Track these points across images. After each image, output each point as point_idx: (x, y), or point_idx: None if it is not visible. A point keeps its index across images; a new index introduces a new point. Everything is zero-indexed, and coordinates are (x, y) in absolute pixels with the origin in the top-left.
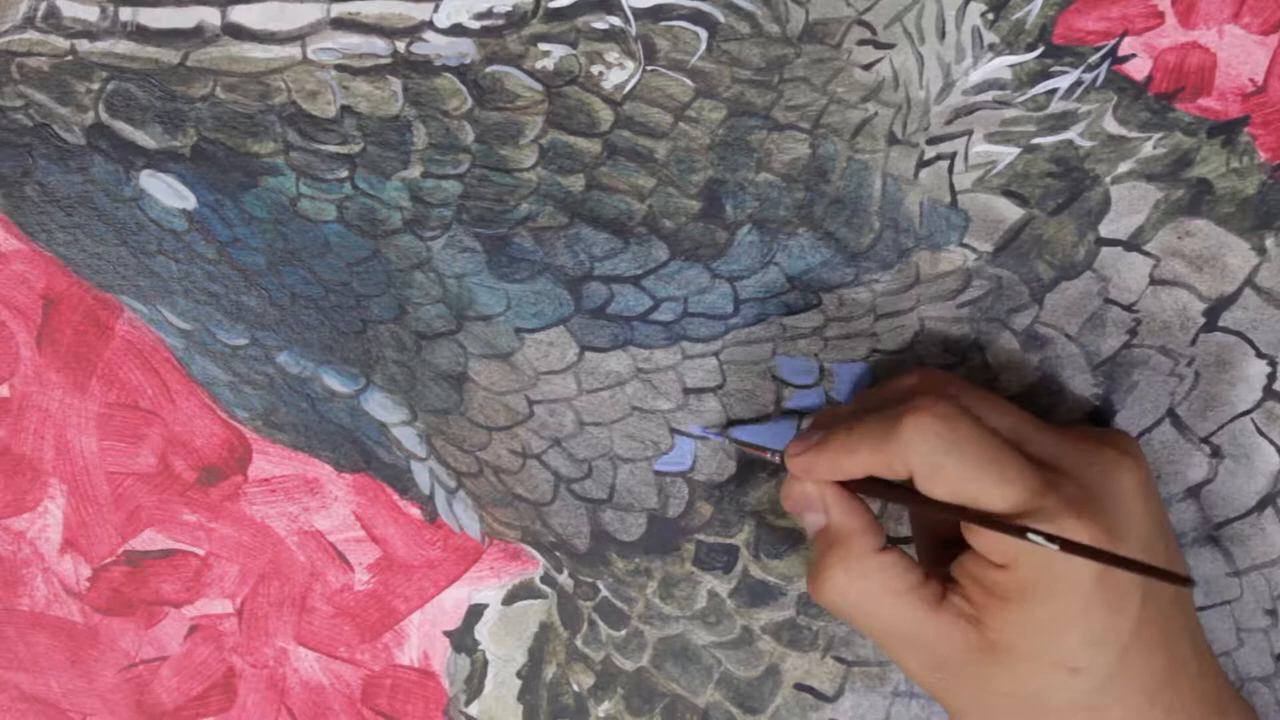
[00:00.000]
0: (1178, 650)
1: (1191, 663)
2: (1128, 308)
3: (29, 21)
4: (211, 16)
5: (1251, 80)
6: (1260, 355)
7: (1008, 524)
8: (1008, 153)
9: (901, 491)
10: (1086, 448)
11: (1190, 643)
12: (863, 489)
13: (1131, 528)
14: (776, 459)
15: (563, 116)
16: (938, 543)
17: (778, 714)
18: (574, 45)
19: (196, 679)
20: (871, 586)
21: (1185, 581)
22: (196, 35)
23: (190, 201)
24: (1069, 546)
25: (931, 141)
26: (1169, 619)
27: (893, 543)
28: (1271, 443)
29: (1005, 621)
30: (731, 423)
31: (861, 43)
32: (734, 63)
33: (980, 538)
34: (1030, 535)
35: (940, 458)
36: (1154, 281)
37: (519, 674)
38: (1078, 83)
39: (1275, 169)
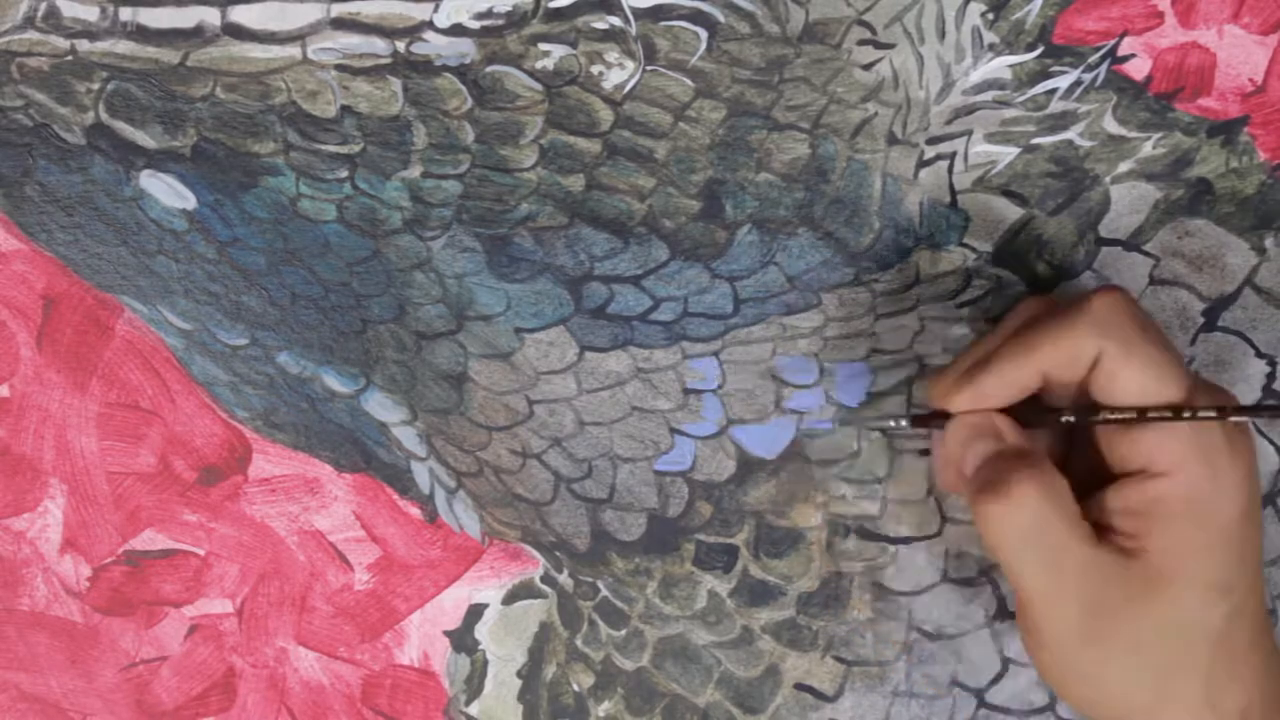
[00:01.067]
0: (1263, 601)
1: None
2: None
3: (29, 21)
4: (211, 16)
5: (1251, 80)
6: (1260, 355)
7: (1197, 409)
8: (1008, 153)
9: (1062, 412)
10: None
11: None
12: (1018, 419)
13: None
14: (905, 424)
15: (563, 116)
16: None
17: (778, 714)
18: (574, 45)
19: (196, 679)
20: (1057, 508)
21: None
22: (196, 35)
23: (190, 201)
24: (1268, 410)
25: (931, 141)
26: (1259, 572)
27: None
28: (1271, 443)
29: (1170, 542)
30: (842, 409)
31: (861, 43)
32: (734, 63)
33: (1144, 445)
34: (1251, 412)
35: (1136, 336)
36: (1154, 281)
37: (519, 674)
38: (1077, 83)
39: (1275, 169)
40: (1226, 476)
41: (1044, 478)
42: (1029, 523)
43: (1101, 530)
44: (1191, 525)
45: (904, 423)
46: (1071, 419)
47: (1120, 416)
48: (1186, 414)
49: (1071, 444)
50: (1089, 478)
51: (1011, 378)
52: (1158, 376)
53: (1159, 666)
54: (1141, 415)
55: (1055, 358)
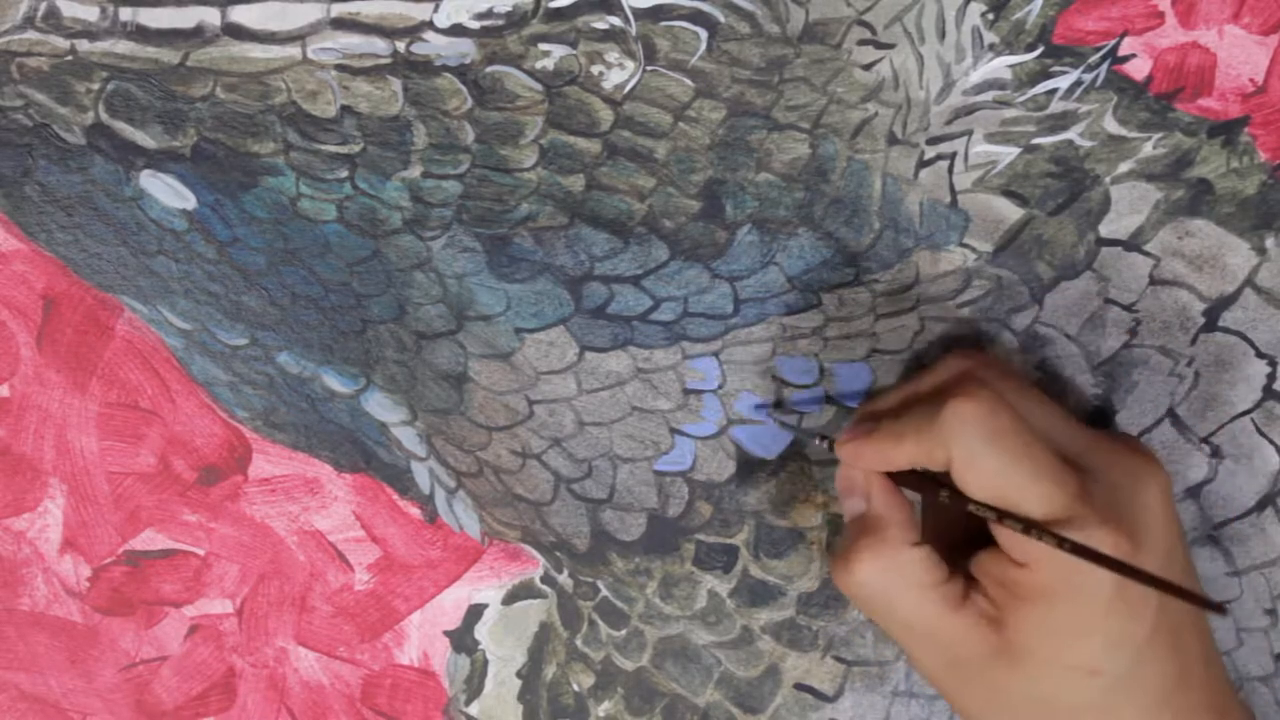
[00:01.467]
0: (1189, 654)
1: (1200, 667)
2: (1128, 308)
3: (29, 21)
4: (211, 16)
5: (1251, 80)
6: (1260, 355)
7: (1035, 525)
8: (1008, 153)
9: (939, 487)
10: (1114, 451)
11: (1201, 648)
12: (907, 483)
13: (1155, 537)
14: (826, 445)
15: (563, 116)
16: (960, 540)
17: (778, 714)
18: (574, 45)
19: (196, 679)
20: (898, 579)
21: (1215, 608)
22: (196, 35)
23: (190, 201)
24: (1089, 555)
25: (931, 141)
26: (1182, 625)
27: None
28: (1271, 443)
29: (1025, 622)
30: (779, 406)
31: (861, 43)
32: (734, 63)
33: (1006, 536)
34: (1060, 538)
35: (979, 448)
36: (1154, 281)
37: (519, 674)
38: (1078, 83)
39: (1275, 169)
40: (1086, 573)
41: (886, 553)
42: (870, 593)
43: (974, 591)
44: (1048, 612)
45: (825, 444)
46: (946, 499)
47: (980, 513)
48: (1032, 532)
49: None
50: (970, 537)
51: (886, 455)
52: (1008, 488)
53: None
54: (999, 518)
55: (917, 454)
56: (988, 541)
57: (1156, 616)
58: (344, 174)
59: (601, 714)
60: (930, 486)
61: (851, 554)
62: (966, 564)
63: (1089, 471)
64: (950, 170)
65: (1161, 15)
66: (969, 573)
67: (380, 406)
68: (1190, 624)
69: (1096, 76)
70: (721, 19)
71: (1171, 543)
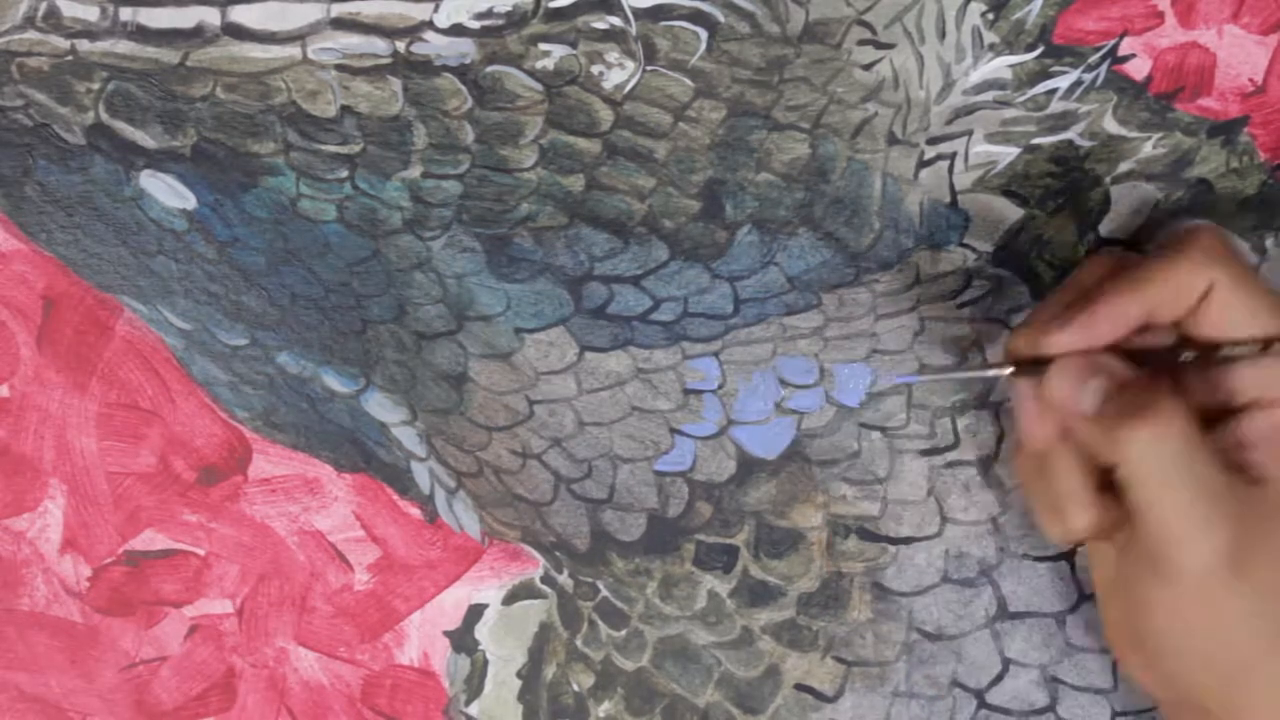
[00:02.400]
0: None
1: None
2: None
3: (29, 21)
4: (211, 16)
5: (1251, 80)
6: None
7: None
8: (1008, 153)
9: (1179, 350)
10: None
11: None
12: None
13: None
14: (1007, 371)
15: (563, 116)
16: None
17: (778, 714)
18: (574, 45)
19: (196, 679)
20: (1197, 437)
21: None
22: (196, 35)
23: (190, 201)
24: None
25: (931, 141)
26: None
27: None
28: None
29: None
30: (923, 367)
31: (861, 43)
32: (734, 63)
33: (1260, 374)
34: None
35: (1243, 269)
36: None
37: (519, 674)
38: (1078, 83)
39: (1275, 169)
40: None
41: (1182, 403)
42: (1179, 446)
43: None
44: None
45: (1008, 371)
46: (1190, 356)
47: (1242, 351)
48: None
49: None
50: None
51: (1119, 312)
52: (1267, 304)
53: None
54: (1266, 347)
55: (1164, 291)
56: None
57: None
58: (344, 174)
59: (601, 714)
60: (1155, 358)
61: (1158, 405)
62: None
63: None
64: (950, 170)
65: (1161, 15)
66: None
67: (380, 406)
68: None
69: (1096, 76)
70: (721, 19)
71: None
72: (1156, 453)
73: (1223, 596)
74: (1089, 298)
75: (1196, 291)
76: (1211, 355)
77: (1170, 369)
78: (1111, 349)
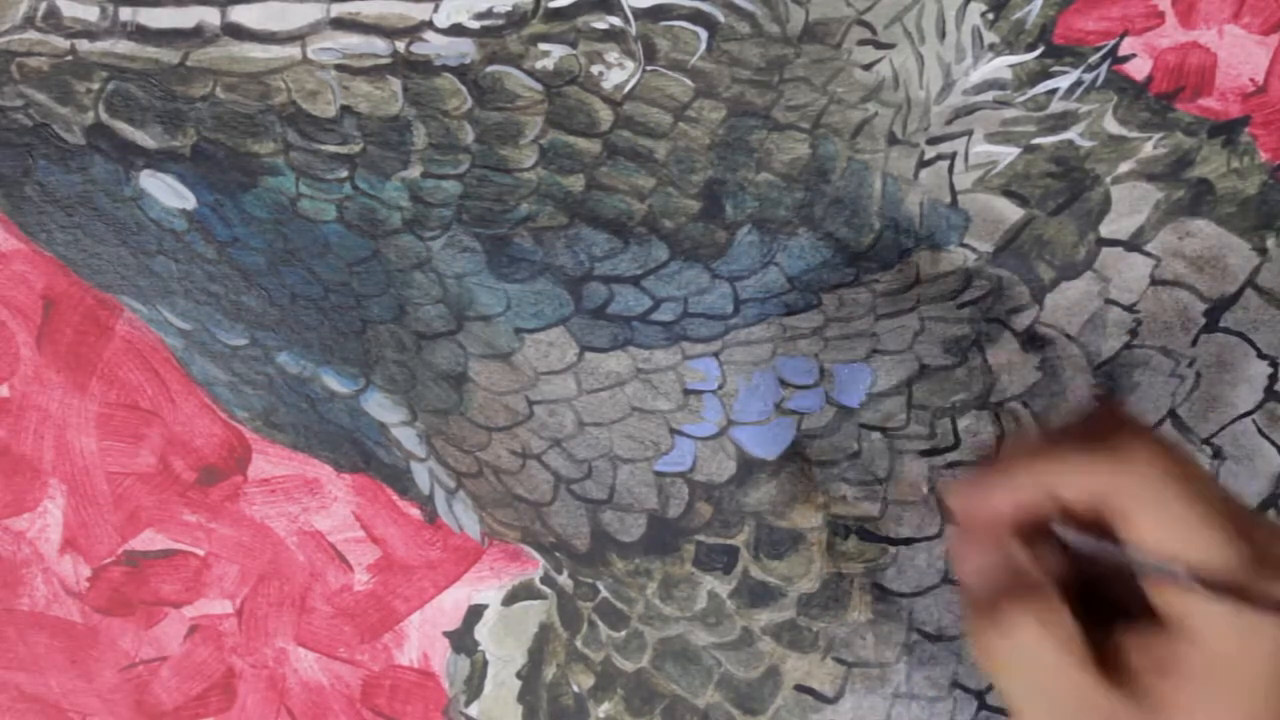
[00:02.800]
0: None
1: None
2: (1128, 308)
3: (29, 21)
4: (211, 16)
5: (1252, 80)
6: (1261, 356)
7: (1233, 590)
8: (1008, 153)
9: (1088, 540)
10: (1273, 529)
11: None
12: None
13: None
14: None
15: (563, 116)
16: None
17: (778, 715)
18: (574, 45)
19: (196, 679)
20: (1059, 646)
21: None
22: (196, 35)
23: (190, 201)
24: None
25: (931, 141)
26: None
27: None
28: (1273, 444)
29: (1177, 701)
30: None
31: (861, 43)
32: (734, 63)
33: (1175, 602)
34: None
35: (1166, 493)
36: (1155, 282)
37: (519, 674)
38: (1078, 83)
39: (1276, 169)
40: (1259, 657)
41: (1043, 609)
42: (1024, 655)
43: (1110, 665)
44: (1207, 692)
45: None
46: (1115, 555)
47: (1157, 568)
48: (1241, 602)
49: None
50: (1100, 607)
51: (1023, 494)
52: (1189, 544)
53: None
54: (1178, 577)
55: (1082, 486)
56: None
57: None
58: (344, 174)
59: (601, 715)
60: (1080, 537)
61: (1008, 615)
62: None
63: (1254, 542)
64: (950, 170)
65: (1161, 15)
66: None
67: (380, 407)
68: None
69: (1097, 76)
70: (721, 19)
71: None
72: (1000, 656)
73: None
74: (1001, 466)
75: (1106, 506)
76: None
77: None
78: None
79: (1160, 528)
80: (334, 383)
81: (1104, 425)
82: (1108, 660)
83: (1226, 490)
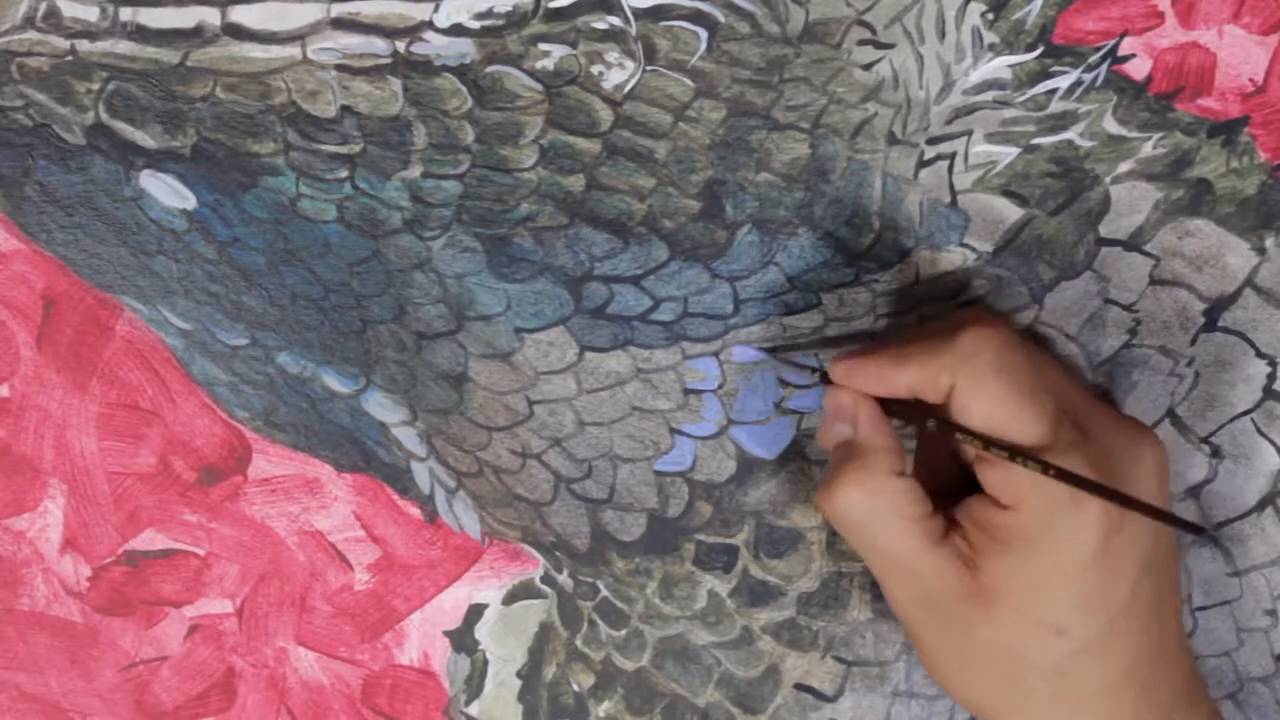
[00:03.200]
0: (1161, 633)
1: (1171, 648)
2: (1128, 308)
3: (29, 21)
4: (211, 16)
5: (1251, 80)
6: (1260, 355)
7: (1032, 456)
8: (1008, 153)
9: (931, 418)
10: (1115, 419)
11: (1174, 629)
12: (896, 412)
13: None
14: (815, 376)
15: (563, 116)
16: (944, 483)
17: (778, 714)
18: (574, 45)
19: (196, 679)
20: (880, 507)
21: (1197, 529)
22: (196, 35)
23: (190, 201)
24: (1083, 484)
25: (931, 141)
26: (1159, 601)
27: None
28: (1272, 443)
29: (1001, 568)
30: (778, 347)
31: (861, 43)
32: (734, 63)
33: (994, 474)
34: (1052, 472)
35: (988, 375)
36: (1154, 281)
37: (519, 674)
38: (1078, 83)
39: (1275, 169)
40: (1068, 523)
41: (871, 481)
42: (851, 519)
43: (954, 533)
44: (1027, 560)
45: (815, 376)
46: (933, 428)
47: (969, 441)
48: (1020, 459)
49: (942, 443)
50: (954, 479)
51: (883, 376)
52: (1005, 417)
53: (994, 678)
54: (985, 447)
55: (919, 378)
56: (974, 490)
57: (1135, 585)
58: (344, 174)
59: (601, 714)
60: (920, 416)
61: (835, 479)
62: (951, 510)
63: (1086, 428)
64: (950, 170)
65: (1161, 15)
66: (952, 517)
67: (380, 406)
68: (1168, 604)
69: (1096, 76)
70: (721, 19)
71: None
72: (834, 516)
73: (923, 647)
74: (871, 351)
75: (941, 388)
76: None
77: (931, 433)
78: (889, 399)
79: (984, 408)
80: (334, 382)
81: (958, 323)
82: (955, 518)
83: (1062, 378)
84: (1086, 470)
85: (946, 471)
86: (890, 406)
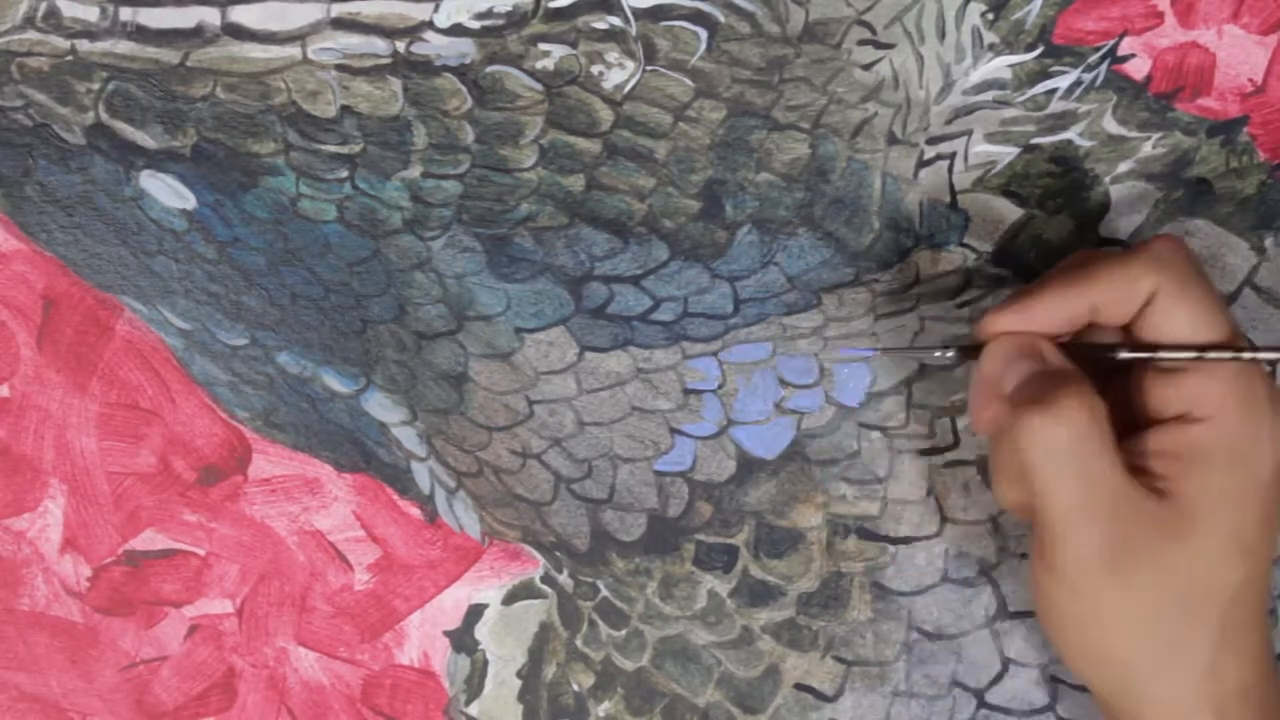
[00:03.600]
0: None
1: None
2: None
3: (29, 21)
4: (211, 16)
5: (1251, 80)
6: None
7: (1258, 349)
8: (1008, 153)
9: (1117, 347)
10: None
11: None
12: (1070, 353)
13: None
14: (950, 354)
15: (563, 116)
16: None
17: (778, 714)
18: (574, 45)
19: (196, 679)
20: (1098, 434)
21: None
22: (196, 35)
23: (190, 201)
24: None
25: (931, 141)
26: None
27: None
28: None
29: (1199, 488)
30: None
31: (861, 43)
32: (734, 63)
33: (1194, 385)
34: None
35: (1191, 277)
36: None
37: (519, 674)
38: (1077, 83)
39: (1275, 169)
40: (1267, 429)
41: (1089, 397)
42: (1071, 439)
43: (1135, 473)
44: (1226, 475)
45: (950, 353)
46: (1126, 355)
47: (1177, 355)
48: (1246, 354)
49: (1105, 390)
50: (1120, 426)
51: (1061, 304)
52: (1210, 317)
53: (1172, 618)
54: (1200, 353)
55: (1109, 292)
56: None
57: None
58: (344, 174)
59: (601, 714)
60: (1099, 350)
61: (1057, 396)
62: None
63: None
64: (950, 170)
65: (1161, 15)
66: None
67: (380, 406)
68: None
69: (1096, 76)
70: (721, 19)
71: None
72: (1049, 442)
73: (1098, 596)
74: (1037, 288)
75: (1139, 295)
76: (1151, 361)
77: (1111, 370)
78: (1060, 343)
79: (1190, 312)
80: (334, 382)
81: (1129, 251)
82: (1127, 463)
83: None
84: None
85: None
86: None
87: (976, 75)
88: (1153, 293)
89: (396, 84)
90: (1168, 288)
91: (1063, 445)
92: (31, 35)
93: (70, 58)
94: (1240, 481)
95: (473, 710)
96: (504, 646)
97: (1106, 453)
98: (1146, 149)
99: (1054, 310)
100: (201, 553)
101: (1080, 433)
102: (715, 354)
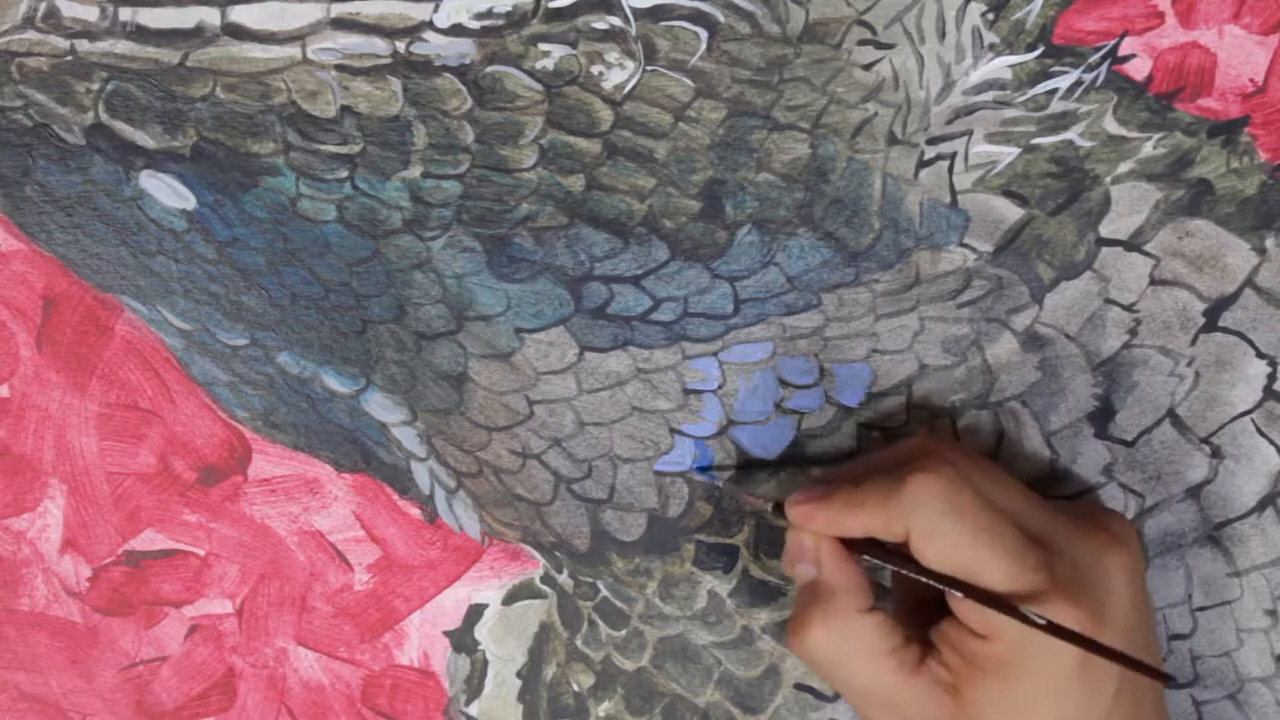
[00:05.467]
0: None
1: None
2: (1128, 308)
3: (29, 21)
4: (211, 16)
5: (1251, 80)
6: (1260, 355)
7: (998, 599)
8: (1008, 153)
9: (896, 556)
10: (1080, 528)
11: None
12: (860, 549)
13: (1116, 614)
14: (772, 511)
15: (563, 116)
16: (918, 605)
17: (778, 714)
18: (574, 45)
19: (196, 679)
20: (851, 646)
21: (1164, 678)
22: (196, 35)
23: (190, 201)
24: (1055, 630)
25: (931, 141)
26: (1141, 700)
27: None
28: (1272, 443)
29: (982, 694)
30: (733, 466)
31: (861, 43)
32: (734, 63)
33: (965, 606)
34: (1024, 613)
35: (939, 521)
36: (1154, 281)
37: (519, 674)
38: (1078, 83)
39: (1275, 169)
40: (1044, 650)
41: (837, 621)
42: (823, 659)
43: (935, 652)
44: (1006, 685)
45: (769, 507)
46: (903, 573)
47: (939, 585)
48: (994, 606)
49: None
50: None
51: (841, 521)
52: (968, 562)
53: None
54: (957, 591)
55: (873, 525)
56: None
57: (1114, 698)
58: (344, 174)
59: (601, 714)
60: (884, 555)
61: (802, 622)
62: (927, 630)
63: (1052, 548)
64: (950, 170)
65: (1161, 15)
66: (928, 639)
67: (380, 407)
68: (1149, 699)
69: (1096, 76)
70: (721, 19)
71: (1135, 619)
72: (809, 659)
73: None
74: (828, 495)
75: (898, 534)
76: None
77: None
78: (851, 540)
79: (941, 554)
80: (334, 383)
81: (907, 455)
82: (934, 654)
83: (1020, 498)
84: (1056, 599)
85: (924, 587)
86: (854, 545)
87: (977, 75)
88: (908, 531)
89: (396, 84)
90: (917, 532)
91: (818, 663)
92: (31, 35)
93: (70, 58)
94: (1023, 693)
95: (473, 710)
96: (504, 646)
97: (866, 663)
98: (1147, 149)
99: (834, 524)
100: (201, 553)
101: (828, 654)
102: (715, 354)
